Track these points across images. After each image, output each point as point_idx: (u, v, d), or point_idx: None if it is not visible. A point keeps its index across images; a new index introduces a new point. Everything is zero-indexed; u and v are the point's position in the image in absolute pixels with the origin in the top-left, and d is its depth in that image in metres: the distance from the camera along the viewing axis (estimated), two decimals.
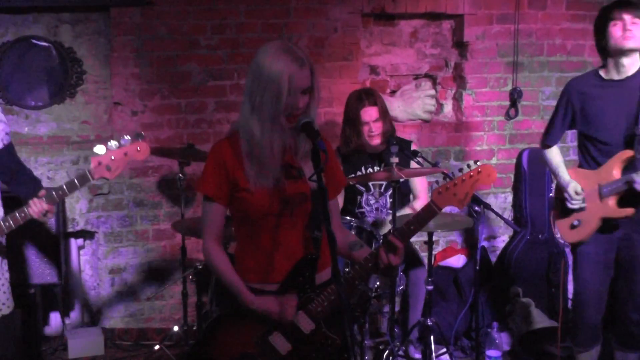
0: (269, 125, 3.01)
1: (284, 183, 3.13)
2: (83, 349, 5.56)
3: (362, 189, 5.24)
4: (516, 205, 6.30)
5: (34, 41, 5.59)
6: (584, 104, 4.47)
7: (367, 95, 5.13)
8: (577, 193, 4.47)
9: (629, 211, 4.37)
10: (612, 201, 4.41)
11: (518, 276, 5.96)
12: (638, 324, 4.55)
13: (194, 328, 5.37)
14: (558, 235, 5.22)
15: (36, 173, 5.08)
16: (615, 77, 4.41)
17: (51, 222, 5.24)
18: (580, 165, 4.60)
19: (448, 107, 6.35)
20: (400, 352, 5.01)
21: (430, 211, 3.10)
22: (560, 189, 4.62)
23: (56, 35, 5.63)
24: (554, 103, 5.83)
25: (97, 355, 5.59)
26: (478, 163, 3.10)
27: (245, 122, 3.07)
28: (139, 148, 3.53)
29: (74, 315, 5.81)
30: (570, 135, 6.16)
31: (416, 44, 6.23)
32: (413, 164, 5.04)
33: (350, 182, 5.12)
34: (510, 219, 6.27)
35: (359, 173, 5.19)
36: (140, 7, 5.61)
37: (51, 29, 5.63)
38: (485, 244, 6.32)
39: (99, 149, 3.48)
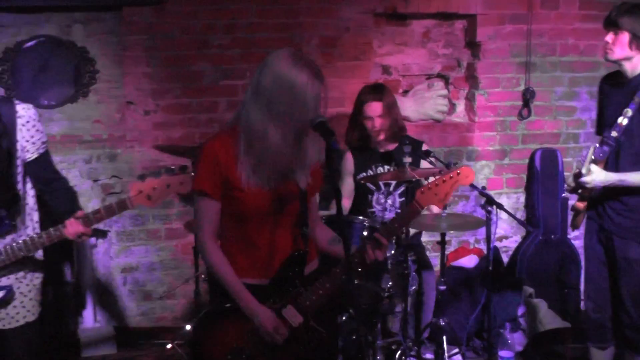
0: (289, 133, 3.05)
1: (276, 183, 3.18)
2: (95, 347, 5.58)
3: (373, 188, 5.23)
4: (528, 205, 6.29)
5: (47, 40, 5.59)
6: (602, 103, 4.54)
7: (374, 90, 5.15)
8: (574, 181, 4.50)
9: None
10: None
11: (530, 277, 5.95)
12: (628, 326, 4.57)
13: None
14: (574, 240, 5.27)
15: None
16: (621, 79, 4.45)
17: None
18: None
19: (460, 107, 6.34)
20: (413, 352, 5.00)
21: (413, 210, 3.32)
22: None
23: (69, 35, 5.64)
24: (566, 103, 5.88)
25: (109, 354, 5.62)
26: (457, 164, 3.44)
27: (253, 122, 3.08)
28: (182, 182, 3.54)
29: (86, 313, 5.81)
30: (583, 136, 6.16)
31: (428, 44, 6.22)
32: (425, 164, 5.04)
33: (362, 182, 5.15)
34: (522, 219, 6.26)
35: (369, 172, 5.21)
36: (152, 7, 5.61)
37: (64, 28, 5.63)
38: (497, 244, 6.30)
39: (181, 170, 3.56)
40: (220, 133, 3.24)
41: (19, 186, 3.54)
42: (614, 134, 4.29)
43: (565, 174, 6.07)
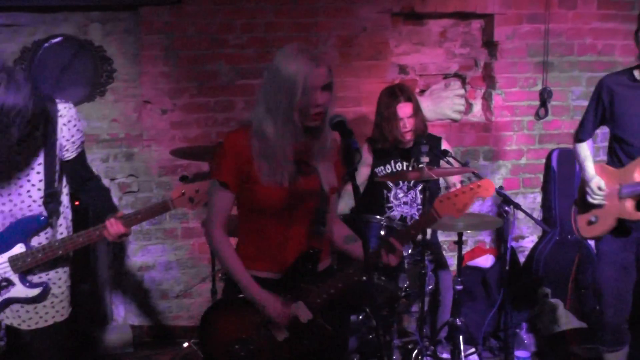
0: (281, 125, 3.09)
1: (295, 179, 3.20)
2: (112, 346, 5.60)
3: (391, 184, 5.23)
4: (545, 205, 6.27)
5: (65, 40, 5.62)
6: (613, 103, 4.47)
7: (401, 91, 5.14)
8: (599, 189, 4.47)
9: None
10: (629, 203, 4.41)
11: (547, 277, 5.94)
12: None
13: None
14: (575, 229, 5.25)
15: None
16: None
17: None
18: (608, 164, 4.59)
19: (477, 107, 6.32)
20: (429, 352, 5.00)
21: (430, 218, 3.31)
22: (584, 183, 4.60)
23: (86, 34, 5.65)
24: (584, 103, 5.80)
25: (125, 353, 5.63)
26: (477, 174, 3.55)
27: (258, 123, 3.14)
28: None
29: (103, 313, 5.83)
30: (600, 136, 6.12)
31: (445, 43, 6.21)
32: (443, 163, 5.04)
33: (380, 180, 5.16)
34: (539, 219, 6.24)
35: (387, 167, 5.20)
36: (169, 6, 5.63)
37: (81, 27, 5.65)
38: (513, 244, 6.28)
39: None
40: (241, 127, 3.27)
41: (57, 184, 3.53)
42: None
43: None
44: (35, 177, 3.45)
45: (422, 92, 6.24)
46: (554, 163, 6.15)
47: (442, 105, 6.21)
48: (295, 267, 3.25)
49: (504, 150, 6.23)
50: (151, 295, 5.94)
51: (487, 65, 6.22)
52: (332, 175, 3.27)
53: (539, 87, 6.17)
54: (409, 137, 5.11)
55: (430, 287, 4.89)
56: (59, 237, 3.57)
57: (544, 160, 6.28)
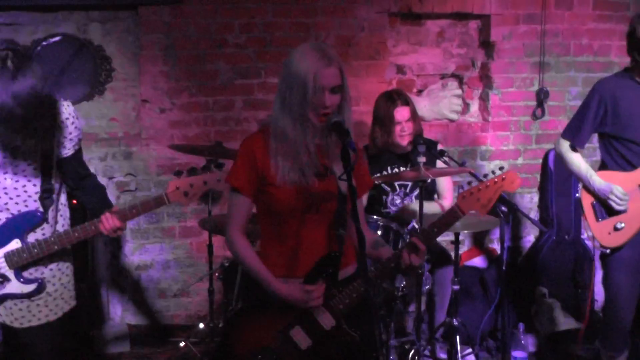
0: (298, 122, 3.09)
1: (312, 180, 3.19)
2: (109, 345, 5.62)
3: (388, 188, 5.25)
4: (542, 205, 6.29)
5: (64, 39, 5.63)
6: (618, 106, 4.43)
7: (398, 95, 5.16)
8: (622, 193, 4.40)
9: None
10: None
11: (544, 277, 5.96)
12: None
13: (220, 325, 5.38)
14: (588, 240, 5.21)
15: None
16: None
17: None
18: (605, 166, 4.57)
19: (474, 107, 6.34)
20: (426, 352, 5.02)
21: (454, 215, 3.25)
22: (596, 194, 4.54)
23: (85, 33, 5.67)
24: (580, 103, 5.83)
25: (122, 352, 5.64)
26: (503, 169, 3.24)
27: (275, 118, 3.16)
28: (218, 178, 3.58)
29: (101, 312, 5.84)
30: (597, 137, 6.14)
31: (443, 43, 6.23)
32: (439, 164, 5.05)
33: (377, 182, 5.15)
34: (536, 219, 6.27)
35: (384, 172, 5.21)
36: (169, 6, 5.65)
37: (81, 27, 5.66)
38: (511, 244, 6.30)
39: (217, 168, 3.59)
40: (257, 131, 3.29)
41: (54, 181, 3.54)
42: None
43: (580, 185, 6.05)
44: (31, 173, 3.45)
45: (420, 92, 6.26)
46: (551, 163, 6.17)
47: (440, 105, 6.22)
48: (315, 272, 3.21)
49: (501, 150, 6.25)
50: (149, 294, 5.95)
51: (484, 66, 6.24)
52: (354, 179, 3.13)
53: (536, 87, 6.19)
54: (407, 140, 5.12)
55: (427, 287, 4.89)
56: (60, 232, 3.56)
57: (540, 160, 6.31)
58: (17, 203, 3.48)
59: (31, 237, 3.51)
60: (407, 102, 5.13)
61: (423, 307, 4.95)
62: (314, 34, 5.82)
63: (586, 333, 5.21)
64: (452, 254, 5.03)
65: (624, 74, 4.51)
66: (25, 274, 3.52)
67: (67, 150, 3.55)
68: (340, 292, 3.21)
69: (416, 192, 5.16)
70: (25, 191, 3.47)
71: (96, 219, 3.52)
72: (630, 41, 4.36)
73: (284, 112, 3.11)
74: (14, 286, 3.50)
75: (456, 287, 4.88)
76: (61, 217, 3.64)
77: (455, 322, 4.88)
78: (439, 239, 5.56)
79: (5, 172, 3.43)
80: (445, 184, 5.32)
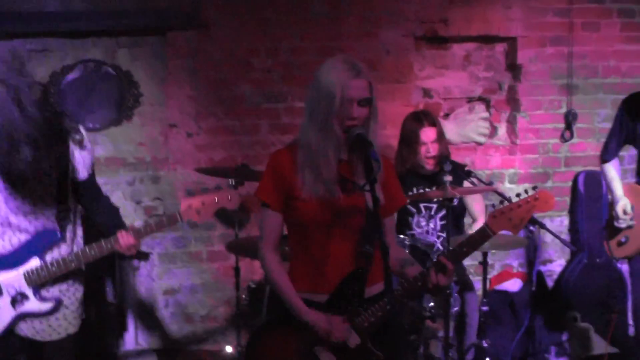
0: (322, 133, 3.08)
1: (338, 194, 3.16)
2: None
3: (413, 210, 5.22)
4: (572, 229, 6.22)
5: (93, 64, 5.70)
6: (637, 121, 4.44)
7: (425, 116, 5.16)
8: (625, 212, 4.42)
9: None
10: None
11: (576, 301, 5.87)
12: None
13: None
14: (620, 264, 5.18)
15: None
16: None
17: None
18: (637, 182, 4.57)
19: (502, 130, 6.31)
20: None
21: (484, 234, 3.15)
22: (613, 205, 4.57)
23: (114, 59, 5.73)
24: (609, 125, 5.81)
25: None
26: (536, 189, 3.13)
27: (303, 130, 3.16)
28: (230, 196, 3.65)
29: (128, 336, 5.84)
30: (628, 158, 6.09)
31: (469, 67, 6.22)
32: (467, 184, 5.02)
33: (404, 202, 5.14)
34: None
35: (410, 194, 5.18)
36: (196, 31, 5.70)
37: (109, 52, 5.73)
38: (541, 268, 6.23)
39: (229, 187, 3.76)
40: (286, 146, 3.31)
41: (70, 202, 3.63)
42: None
43: (609, 197, 5.99)
44: (49, 195, 3.53)
45: (447, 115, 6.25)
46: (581, 186, 6.11)
47: (467, 128, 6.20)
48: (341, 288, 3.19)
49: (530, 173, 6.20)
50: (176, 318, 5.93)
51: (511, 88, 6.22)
52: (379, 194, 3.07)
53: (564, 110, 6.15)
54: (432, 162, 5.10)
55: (455, 309, 4.84)
56: (77, 250, 3.63)
57: (570, 183, 6.25)
58: (36, 224, 3.55)
59: (48, 256, 3.58)
60: (434, 123, 5.11)
61: (452, 331, 4.90)
62: None
63: (621, 358, 5.14)
64: (480, 278, 4.98)
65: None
66: (43, 292, 3.59)
67: (82, 174, 3.64)
68: (366, 310, 3.17)
69: (441, 213, 5.12)
70: (43, 213, 3.55)
71: (112, 237, 3.59)
72: None
73: (310, 122, 3.11)
74: (32, 304, 3.57)
75: (485, 308, 4.82)
76: (77, 236, 3.71)
77: (485, 344, 4.81)
78: (466, 262, 5.63)
79: (24, 195, 3.49)
80: (477, 207, 5.29)
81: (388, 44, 5.94)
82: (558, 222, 6.27)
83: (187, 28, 5.70)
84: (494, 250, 4.85)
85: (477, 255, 5.39)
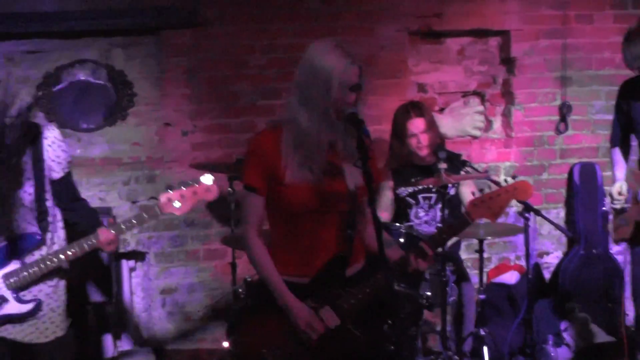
0: (318, 117, 3.07)
1: (322, 180, 3.16)
2: None
3: (412, 201, 5.22)
4: (569, 220, 6.24)
5: (86, 65, 5.71)
6: (630, 107, 4.47)
7: (413, 107, 5.18)
8: (620, 193, 4.45)
9: None
10: None
11: (573, 292, 5.88)
12: None
13: None
14: (617, 254, 5.19)
15: (88, 194, 5.25)
16: None
17: None
18: None
19: (497, 124, 6.32)
20: None
21: (462, 222, 3.24)
22: None
23: (108, 59, 5.74)
24: (604, 117, 5.86)
25: None
26: (515, 179, 3.29)
27: (292, 113, 3.13)
28: (208, 189, 3.64)
29: (125, 336, 5.82)
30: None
31: (464, 61, 6.24)
32: (463, 174, 5.04)
33: (400, 195, 5.18)
34: (563, 234, 6.22)
35: (408, 187, 5.21)
36: (191, 29, 5.71)
37: (103, 52, 5.74)
38: (538, 260, 6.24)
39: (206, 178, 3.63)
40: (265, 129, 3.30)
41: (48, 204, 3.62)
42: None
43: (605, 188, 6.01)
44: (27, 197, 3.53)
45: (442, 110, 6.26)
46: (576, 178, 6.13)
47: (462, 122, 6.22)
48: (323, 272, 3.20)
49: (526, 166, 6.21)
50: (174, 318, 5.93)
51: (506, 82, 6.24)
52: (359, 177, 3.12)
53: (558, 102, 6.17)
54: (425, 152, 5.11)
55: (452, 299, 4.85)
56: (57, 250, 3.62)
57: (566, 175, 6.27)
58: (15, 227, 3.54)
59: (29, 259, 3.57)
60: (421, 114, 5.13)
61: (450, 320, 4.90)
62: None
63: (620, 347, 5.14)
64: (478, 266, 4.99)
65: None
66: (23, 294, 3.57)
67: (57, 173, 3.63)
68: (347, 292, 3.19)
69: (440, 204, 5.12)
70: (22, 214, 3.54)
71: (92, 235, 3.58)
72: None
73: (303, 106, 3.09)
74: (12, 307, 3.55)
75: (482, 296, 4.83)
76: (58, 238, 3.69)
77: (482, 332, 4.82)
78: (464, 256, 5.64)
79: (2, 198, 3.50)
80: (469, 197, 5.29)
81: (383, 39, 5.96)
82: (554, 214, 6.27)
83: (182, 27, 5.71)
84: (489, 237, 4.84)
85: (474, 245, 5.42)
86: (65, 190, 3.70)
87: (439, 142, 5.13)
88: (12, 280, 3.52)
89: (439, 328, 5.02)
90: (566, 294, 5.87)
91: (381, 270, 3.12)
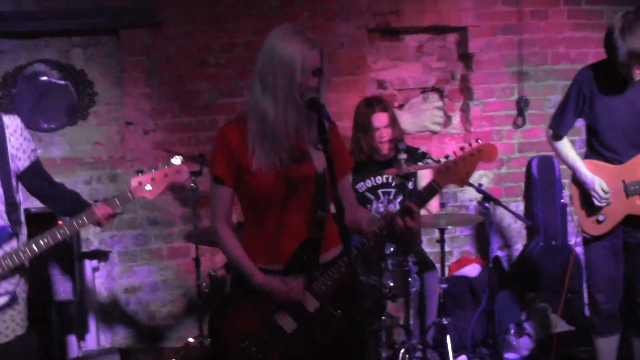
0: (283, 104, 3.07)
1: (289, 165, 3.18)
2: None
3: (371, 197, 5.27)
4: (528, 213, 6.31)
5: (45, 65, 5.70)
6: (593, 97, 4.48)
7: (377, 102, 5.23)
8: (604, 191, 4.43)
9: None
10: (638, 200, 4.44)
11: (534, 282, 5.96)
12: None
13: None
14: (576, 246, 5.23)
15: None
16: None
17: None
18: (587, 156, 4.61)
19: (456, 119, 6.41)
20: (418, 355, 4.97)
21: (431, 190, 3.12)
22: (581, 184, 4.54)
23: (68, 59, 5.74)
24: None
25: None
26: (479, 141, 3.11)
27: (256, 102, 3.12)
28: (178, 170, 3.64)
29: (90, 336, 5.79)
30: (579, 143, 6.17)
31: (422, 58, 6.31)
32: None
33: (360, 190, 5.22)
34: (523, 227, 6.29)
35: (368, 182, 5.24)
36: (149, 29, 5.73)
37: (62, 52, 5.73)
38: (499, 253, 6.31)
39: (176, 160, 3.64)
40: (232, 120, 3.29)
41: (16, 196, 3.58)
42: None
43: (563, 180, 6.11)
44: None
45: (401, 106, 6.32)
46: (535, 171, 6.21)
47: (422, 117, 6.29)
48: (296, 257, 3.21)
49: None
50: (138, 317, 5.92)
51: (464, 77, 6.33)
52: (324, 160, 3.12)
53: (516, 97, 6.27)
54: (386, 147, 5.16)
55: (414, 289, 4.89)
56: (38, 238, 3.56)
57: (524, 169, 6.36)
58: None
59: (0, 253, 3.52)
60: (385, 109, 5.18)
61: (413, 310, 4.94)
62: None
63: (582, 336, 5.20)
64: (440, 258, 5.03)
65: (604, 66, 4.50)
66: None
67: (24, 162, 3.59)
68: (322, 275, 3.19)
69: (399, 198, 5.17)
70: None
71: (85, 212, 3.54)
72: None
73: (266, 95, 3.08)
74: None
75: (444, 285, 4.87)
76: (24, 229, 3.66)
77: (445, 322, 4.86)
78: (427, 249, 5.70)
79: None
80: (432, 203, 5.33)
81: (342, 36, 6.01)
82: (514, 207, 6.34)
83: (140, 26, 5.72)
84: (450, 226, 4.89)
85: (436, 246, 5.45)
86: (36, 179, 3.66)
87: (399, 138, 5.18)
88: None
89: (402, 322, 5.06)
90: (526, 285, 5.93)
91: (345, 252, 3.10)
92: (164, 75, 5.80)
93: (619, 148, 4.45)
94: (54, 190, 3.75)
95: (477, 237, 6.33)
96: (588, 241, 4.61)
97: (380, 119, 5.14)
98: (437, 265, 5.28)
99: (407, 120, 6.18)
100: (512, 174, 6.34)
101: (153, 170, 3.62)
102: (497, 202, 4.79)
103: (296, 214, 3.23)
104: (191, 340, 5.52)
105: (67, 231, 3.54)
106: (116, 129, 5.87)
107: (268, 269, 3.22)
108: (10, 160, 3.53)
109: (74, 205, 3.70)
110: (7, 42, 5.62)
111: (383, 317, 4.85)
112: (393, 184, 5.20)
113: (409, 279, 4.74)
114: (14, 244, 3.56)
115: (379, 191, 5.27)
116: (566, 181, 4.92)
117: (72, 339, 5.68)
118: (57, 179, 5.48)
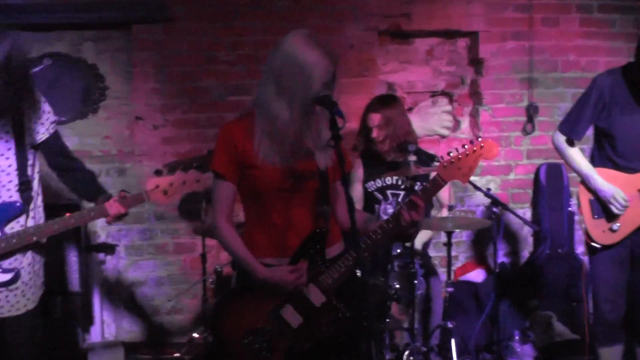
0: (298, 109, 3.09)
1: (292, 161, 3.20)
2: None
3: (380, 197, 5.27)
4: (535, 220, 6.29)
5: (57, 58, 5.72)
6: (613, 102, 4.47)
7: (377, 101, 5.29)
8: (624, 199, 4.41)
9: None
10: None
11: (538, 290, 5.95)
12: None
13: None
14: (582, 255, 5.21)
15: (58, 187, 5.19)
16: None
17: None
18: (593, 160, 4.60)
19: (465, 124, 6.41)
20: (420, 357, 4.96)
21: (436, 184, 3.23)
22: (593, 192, 4.52)
23: (79, 52, 5.76)
24: None
25: None
26: (479, 139, 3.26)
27: (267, 101, 3.14)
28: (198, 179, 3.62)
29: (94, 329, 5.81)
30: (588, 151, 6.14)
31: (432, 61, 6.32)
32: None
33: (369, 190, 5.24)
34: (529, 234, 6.29)
35: (378, 181, 5.25)
36: (161, 24, 5.75)
37: (74, 46, 5.76)
38: (505, 259, 6.31)
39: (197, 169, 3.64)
40: (237, 117, 3.30)
41: (29, 171, 3.58)
42: None
43: (571, 188, 6.10)
44: (4, 163, 3.50)
45: (410, 109, 6.32)
46: (543, 178, 6.21)
47: (430, 121, 6.30)
48: (302, 250, 3.22)
49: (493, 166, 6.29)
50: (143, 311, 5.93)
51: (474, 83, 6.33)
52: (330, 159, 3.21)
53: (525, 103, 6.26)
54: (383, 147, 5.16)
55: (420, 292, 4.89)
56: (32, 223, 3.60)
57: (532, 176, 6.35)
58: None
59: (8, 229, 3.53)
60: (379, 110, 5.19)
61: (417, 313, 4.94)
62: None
63: (584, 344, 5.19)
64: (446, 261, 5.03)
65: (624, 72, 4.50)
66: (1, 262, 3.53)
67: (41, 135, 3.60)
68: (328, 268, 3.21)
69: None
70: (3, 185, 3.52)
71: (98, 205, 3.57)
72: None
73: (281, 98, 3.09)
74: None
75: (450, 289, 4.87)
76: (38, 207, 3.67)
77: (450, 325, 4.85)
78: (432, 254, 5.70)
79: None
80: (444, 193, 5.32)
81: (352, 38, 6.02)
82: (520, 213, 6.27)
83: (152, 22, 5.74)
84: (457, 229, 4.88)
85: (442, 250, 5.46)
86: (55, 151, 3.67)
87: (403, 139, 5.17)
88: None
89: (406, 325, 5.06)
90: (531, 292, 5.92)
91: (352, 245, 3.12)
92: (173, 71, 5.81)
93: (633, 156, 4.44)
94: (72, 164, 3.75)
95: (483, 243, 6.33)
96: (595, 250, 4.59)
97: (372, 119, 5.18)
98: (443, 270, 5.28)
99: (415, 123, 6.15)
100: (519, 180, 6.34)
101: (172, 174, 3.60)
102: (505, 207, 4.79)
103: (301, 208, 3.25)
104: (195, 335, 5.53)
105: (77, 222, 3.56)
106: (126, 123, 5.88)
107: (273, 264, 3.22)
108: (27, 135, 3.53)
109: (89, 188, 3.72)
110: (19, 35, 5.61)
111: (387, 320, 4.86)
112: (403, 186, 5.20)
113: (415, 281, 4.75)
114: (22, 221, 3.57)
115: (388, 192, 5.27)
116: (574, 189, 4.89)
117: (77, 332, 5.70)
118: None
